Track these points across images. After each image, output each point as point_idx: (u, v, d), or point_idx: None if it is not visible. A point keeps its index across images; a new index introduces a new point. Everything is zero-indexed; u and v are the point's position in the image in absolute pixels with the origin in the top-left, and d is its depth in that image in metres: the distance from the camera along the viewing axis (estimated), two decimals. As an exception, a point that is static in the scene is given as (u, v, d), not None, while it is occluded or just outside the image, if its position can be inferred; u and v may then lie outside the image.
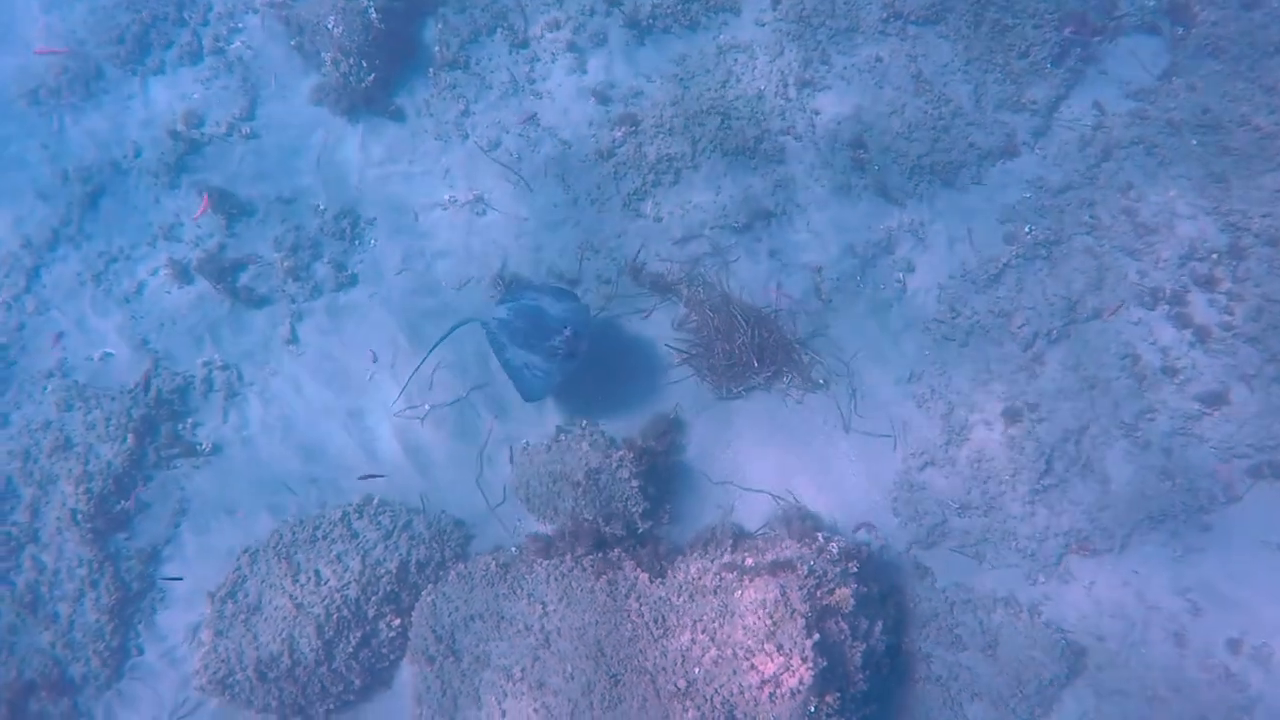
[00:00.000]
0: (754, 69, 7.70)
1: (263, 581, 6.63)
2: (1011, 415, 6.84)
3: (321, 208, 7.73)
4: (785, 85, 7.64)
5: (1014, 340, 7.03)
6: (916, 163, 7.40)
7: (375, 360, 7.32)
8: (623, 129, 7.55)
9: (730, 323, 7.00)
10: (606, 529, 6.55)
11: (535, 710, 6.04)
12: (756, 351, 6.96)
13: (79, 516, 6.92)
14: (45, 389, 7.36)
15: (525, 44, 8.07)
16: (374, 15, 7.76)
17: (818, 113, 7.60)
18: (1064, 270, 7.12)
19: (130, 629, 6.87)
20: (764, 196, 7.42)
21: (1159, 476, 6.59)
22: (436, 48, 8.11)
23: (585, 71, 7.94)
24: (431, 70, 8.09)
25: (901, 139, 7.44)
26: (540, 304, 6.54)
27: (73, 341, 7.55)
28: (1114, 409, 6.77)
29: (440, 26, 8.14)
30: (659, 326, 7.24)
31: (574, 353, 6.36)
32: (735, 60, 7.76)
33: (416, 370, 7.06)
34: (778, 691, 5.61)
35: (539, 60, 8.02)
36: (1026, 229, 7.21)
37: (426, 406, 7.15)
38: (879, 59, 7.67)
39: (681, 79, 7.69)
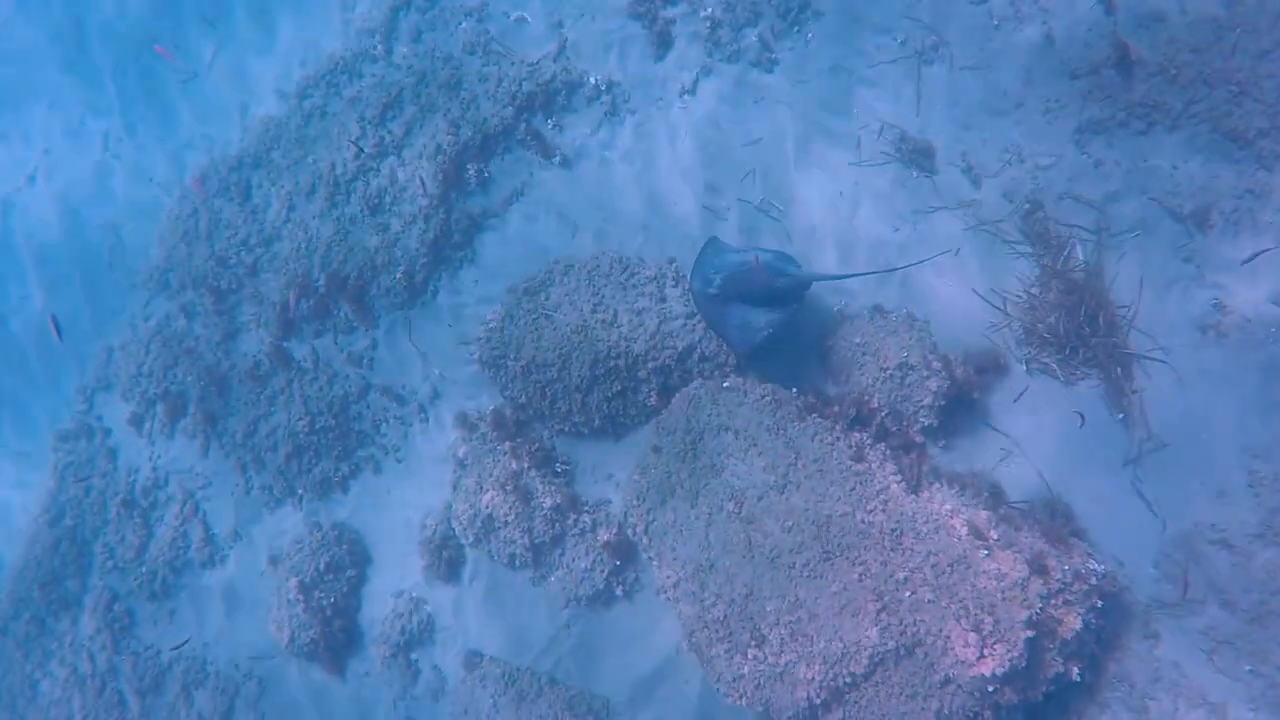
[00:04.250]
0: (1308, 52, 6.53)
1: (565, 295, 6.91)
2: (1347, 551, 6.12)
3: (778, -26, 7.34)
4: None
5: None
6: None
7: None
8: (1120, 50, 6.67)
9: (1075, 304, 6.42)
10: (886, 422, 6.43)
11: (739, 539, 6.25)
12: (1076, 342, 6.41)
13: (440, 155, 7.30)
14: (460, 25, 7.59)
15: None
16: None
17: (1346, 137, 6.47)
18: None
19: (436, 271, 7.39)
20: (1227, 195, 6.52)
21: None
22: None
23: (1111, -38, 6.95)
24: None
25: None
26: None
27: (499, -9, 7.69)
28: None
29: None
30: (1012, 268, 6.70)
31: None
32: (1292, 31, 6.59)
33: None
34: (971, 662, 5.57)
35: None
36: None
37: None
38: None
39: (1220, 24, 6.62)
